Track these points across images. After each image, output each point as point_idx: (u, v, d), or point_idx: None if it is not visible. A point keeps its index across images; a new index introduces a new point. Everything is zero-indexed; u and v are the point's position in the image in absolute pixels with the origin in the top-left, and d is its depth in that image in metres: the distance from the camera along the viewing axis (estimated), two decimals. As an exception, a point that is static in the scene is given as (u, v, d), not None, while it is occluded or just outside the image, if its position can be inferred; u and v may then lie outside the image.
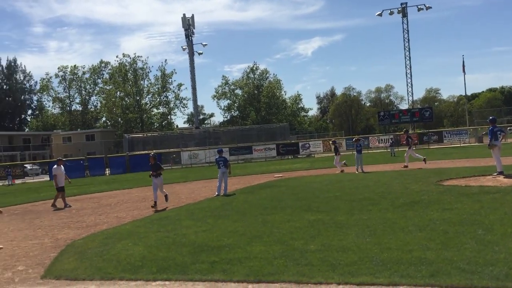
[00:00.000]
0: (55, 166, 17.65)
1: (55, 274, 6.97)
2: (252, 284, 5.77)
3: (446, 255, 6.12)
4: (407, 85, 59.36)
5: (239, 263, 6.62)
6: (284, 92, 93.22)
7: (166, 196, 14.97)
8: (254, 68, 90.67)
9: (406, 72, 58.89)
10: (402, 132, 29.26)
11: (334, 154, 24.67)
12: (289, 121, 76.54)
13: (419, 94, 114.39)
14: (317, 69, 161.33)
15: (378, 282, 5.39)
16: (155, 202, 14.20)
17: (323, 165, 29.36)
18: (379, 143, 51.17)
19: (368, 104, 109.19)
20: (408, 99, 61.23)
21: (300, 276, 5.84)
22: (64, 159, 25.93)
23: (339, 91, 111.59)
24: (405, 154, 22.95)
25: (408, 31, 58.15)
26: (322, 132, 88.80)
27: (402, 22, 58.30)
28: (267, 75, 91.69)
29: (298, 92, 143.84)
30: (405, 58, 58.60)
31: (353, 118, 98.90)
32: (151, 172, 14.69)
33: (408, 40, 58.25)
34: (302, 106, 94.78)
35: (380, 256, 6.33)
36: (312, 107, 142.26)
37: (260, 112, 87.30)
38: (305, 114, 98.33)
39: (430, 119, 56.63)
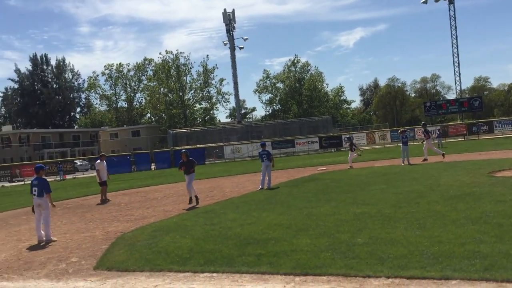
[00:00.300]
0: (98, 161, 18.16)
1: (106, 266, 7.18)
2: (299, 277, 5.75)
3: (501, 248, 5.89)
4: (454, 74, 57.27)
5: (286, 256, 6.61)
6: (326, 84, 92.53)
7: (196, 197, 14.21)
8: (295, 61, 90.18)
9: (454, 61, 56.80)
10: (420, 126, 28.03)
11: (349, 150, 24.45)
12: (331, 114, 75.74)
13: (467, 83, 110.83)
14: (359, 61, 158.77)
15: (429, 275, 5.25)
16: (190, 198, 14.21)
17: (368, 158, 28.88)
18: (425, 134, 49.76)
19: (413, 95, 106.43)
20: (455, 88, 59.12)
21: (348, 269, 5.76)
22: (112, 154, 26.59)
23: (382, 82, 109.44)
24: (423, 148, 22.53)
25: (455, 18, 56.05)
26: (365, 124, 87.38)
27: (449, 9, 56.22)
28: (309, 68, 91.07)
29: (340, 84, 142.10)
30: (452, 46, 56.55)
31: (397, 110, 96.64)
32: (183, 168, 14.31)
33: (455, 27, 56.13)
34: (344, 98, 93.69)
35: (430, 250, 6.16)
36: (354, 99, 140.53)
37: (302, 105, 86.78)
38: (347, 106, 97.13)
39: (480, 108, 54.55)
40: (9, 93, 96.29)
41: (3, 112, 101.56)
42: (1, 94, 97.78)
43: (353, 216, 9.06)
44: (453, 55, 56.87)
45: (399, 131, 25.70)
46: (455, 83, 58.05)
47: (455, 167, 16.79)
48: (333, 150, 49.45)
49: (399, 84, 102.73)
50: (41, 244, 9.66)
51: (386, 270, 5.58)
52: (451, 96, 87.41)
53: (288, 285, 5.51)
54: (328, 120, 60.14)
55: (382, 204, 10.17)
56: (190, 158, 14.71)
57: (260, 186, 16.30)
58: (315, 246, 7.00)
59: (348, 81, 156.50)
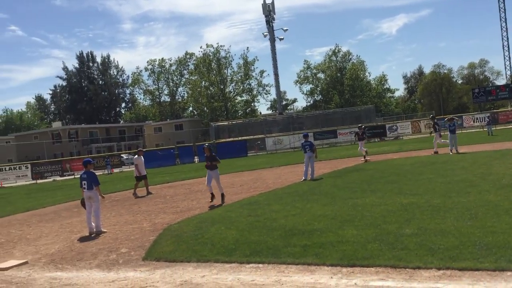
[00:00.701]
0: (136, 156, 18.53)
1: (155, 256, 7.34)
2: (346, 268, 5.68)
3: (561, 239, 5.61)
4: (504, 59, 55.07)
5: (332, 247, 6.55)
6: (368, 73, 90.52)
7: (222, 195, 13.16)
8: (336, 51, 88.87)
9: (503, 45, 54.58)
10: (429, 118, 26.97)
11: (358, 140, 23.99)
12: (374, 103, 74.29)
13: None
14: (402, 48, 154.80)
15: (483, 267, 5.08)
16: (212, 194, 13.14)
17: (413, 147, 28.19)
18: (474, 122, 48.09)
19: (460, 82, 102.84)
20: (506, 74, 56.88)
21: (397, 260, 5.65)
22: (156, 148, 27.12)
23: (427, 69, 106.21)
24: (433, 141, 22.19)
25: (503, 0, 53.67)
26: (410, 113, 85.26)
27: (497, -9, 53.88)
28: (350, 57, 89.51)
29: (383, 72, 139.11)
30: (501, 29, 54.36)
31: (443, 97, 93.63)
32: (206, 163, 13.38)
33: (504, 10, 53.88)
34: (387, 87, 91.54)
35: (483, 240, 5.94)
36: (398, 88, 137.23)
37: (343, 95, 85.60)
38: (391, 95, 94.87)
39: (532, 94, 52.19)
40: (58, 90, 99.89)
41: (53, 109, 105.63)
42: (51, 92, 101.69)
43: (400, 207, 8.86)
44: (502, 39, 54.68)
45: (446, 119, 24.91)
46: (505, 68, 55.54)
47: (507, 155, 16.13)
48: (376, 140, 48.56)
49: (445, 71, 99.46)
50: (92, 235, 9.98)
51: (437, 261, 5.43)
52: (501, 81, 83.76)
53: (335, 276, 5.45)
54: (371, 109, 59.05)
55: (430, 194, 9.90)
56: (213, 154, 13.60)
57: (303, 177, 16.21)
58: (362, 237, 6.90)
59: (391, 69, 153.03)
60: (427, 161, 17.96)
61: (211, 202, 12.99)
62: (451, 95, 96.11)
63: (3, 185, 39.22)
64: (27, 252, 8.90)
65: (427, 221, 7.42)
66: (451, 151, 20.37)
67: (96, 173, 11.04)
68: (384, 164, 18.86)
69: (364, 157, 22.64)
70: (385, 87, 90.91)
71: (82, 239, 9.70)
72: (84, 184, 10.42)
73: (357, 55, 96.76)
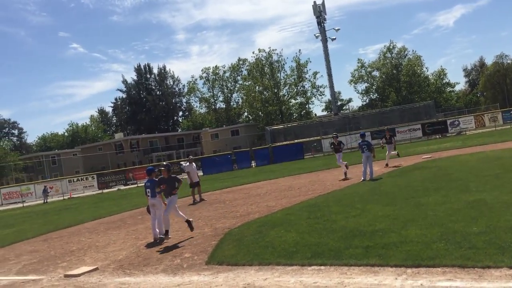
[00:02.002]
0: (187, 163, 18.84)
1: (217, 260, 7.47)
2: (411, 269, 5.54)
3: None
4: None
5: (395, 248, 6.40)
6: (426, 68, 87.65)
7: (189, 222, 10.40)
8: (391, 47, 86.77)
9: None
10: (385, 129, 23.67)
11: (335, 152, 19.52)
12: (433, 99, 71.87)
13: None
14: (461, 40, 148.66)
15: (559, 265, 4.79)
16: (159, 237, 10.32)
17: (478, 142, 27.00)
18: (542, 113, 45.39)
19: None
20: None
21: (465, 260, 5.44)
22: (213, 154, 27.59)
23: (489, 61, 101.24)
24: (386, 153, 21.33)
25: None
26: (472, 107, 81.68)
27: None
28: (406, 52, 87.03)
29: (441, 66, 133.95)
30: None
31: (508, 89, 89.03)
32: (162, 187, 10.26)
33: None
34: (447, 81, 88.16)
35: (559, 237, 5.61)
36: (458, 81, 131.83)
37: (400, 92, 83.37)
38: (451, 89, 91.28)
39: None
40: (119, 103, 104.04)
41: (114, 121, 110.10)
42: (112, 105, 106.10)
43: (466, 205, 8.53)
44: None
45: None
46: None
47: None
48: (437, 136, 46.90)
49: (508, 61, 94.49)
50: (157, 241, 10.30)
51: (508, 260, 5.19)
52: None
53: (400, 277, 5.33)
54: (430, 105, 57.21)
55: (498, 190, 9.45)
56: (173, 175, 10.71)
57: (362, 178, 15.95)
58: (426, 236, 6.70)
59: (450, 62, 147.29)
60: (493, 156, 17.15)
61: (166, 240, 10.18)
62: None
63: (72, 196, 41.28)
64: (97, 259, 9.32)
65: (496, 218, 7.10)
66: (519, 144, 19.36)
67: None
68: (447, 161, 18.20)
69: (345, 174, 18.16)
70: (444, 81, 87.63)
71: (148, 245, 10.03)
72: (148, 192, 10.78)
73: (413, 50, 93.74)
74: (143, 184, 11.32)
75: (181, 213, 10.66)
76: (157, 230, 10.61)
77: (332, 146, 20.11)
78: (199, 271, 7.12)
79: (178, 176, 11.14)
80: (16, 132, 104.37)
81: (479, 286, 4.72)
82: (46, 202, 38.04)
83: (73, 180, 46.45)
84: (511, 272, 4.92)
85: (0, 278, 8.80)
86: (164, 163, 10.14)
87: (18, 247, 12.85)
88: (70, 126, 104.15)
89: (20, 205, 38.52)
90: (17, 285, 8.06)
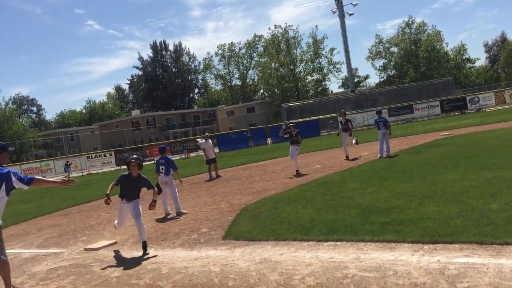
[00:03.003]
0: (203, 140, 18.82)
1: (234, 235, 7.55)
2: (428, 245, 5.53)
3: None
4: None
5: (412, 224, 6.39)
6: (446, 44, 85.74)
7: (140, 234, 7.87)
8: (410, 22, 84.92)
9: None
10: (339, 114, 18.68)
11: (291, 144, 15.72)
12: (453, 75, 70.45)
13: None
14: (482, 14, 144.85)
15: None
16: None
17: (497, 119, 26.53)
18: None
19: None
20: None
21: (483, 236, 5.41)
22: (229, 131, 27.62)
23: (511, 36, 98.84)
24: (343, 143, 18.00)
25: None
26: (493, 83, 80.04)
27: None
28: (425, 28, 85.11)
29: (461, 42, 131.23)
30: None
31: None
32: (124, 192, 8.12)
33: None
34: (467, 57, 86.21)
35: None
36: (479, 57, 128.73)
37: (419, 68, 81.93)
38: (471, 65, 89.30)
39: None
40: (135, 80, 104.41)
41: (131, 98, 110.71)
42: (128, 82, 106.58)
43: (484, 181, 8.43)
44: None
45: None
46: None
47: None
48: (456, 113, 46.20)
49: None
50: (168, 216, 10.53)
51: (527, 237, 5.13)
52: None
53: (416, 253, 5.32)
54: (449, 81, 56.16)
55: (518, 168, 9.32)
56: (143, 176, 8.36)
57: (379, 155, 15.86)
58: (444, 213, 6.66)
59: (470, 37, 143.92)
60: (514, 133, 16.86)
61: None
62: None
63: (90, 172, 41.92)
64: (116, 233, 9.49)
65: (515, 195, 7.02)
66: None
67: (174, 158, 11.47)
68: (466, 138, 17.96)
69: (297, 171, 14.93)
70: (464, 57, 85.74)
71: (165, 220, 10.17)
72: (162, 169, 10.85)
73: (432, 25, 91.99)
74: (156, 161, 11.40)
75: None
76: (168, 207, 10.80)
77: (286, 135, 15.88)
78: (216, 245, 7.21)
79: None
80: (35, 109, 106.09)
81: (496, 262, 4.69)
82: (70, 177, 38.74)
83: (91, 156, 47.14)
84: (530, 249, 4.88)
85: (22, 251, 9.03)
86: (134, 156, 7.93)
87: (39, 221, 13.14)
88: (87, 103, 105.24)
89: (40, 181, 39.22)
90: (39, 257, 8.27)
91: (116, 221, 8.38)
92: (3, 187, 5.54)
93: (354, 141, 17.74)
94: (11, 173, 5.61)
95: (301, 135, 15.43)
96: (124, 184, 7.94)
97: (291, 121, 16.39)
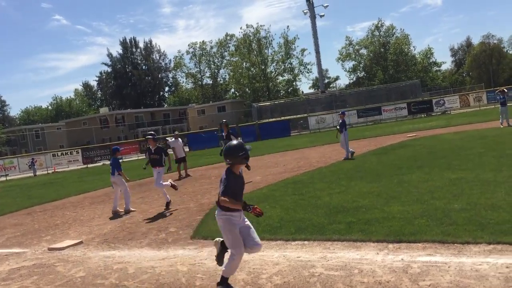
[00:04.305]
0: (173, 139, 18.84)
1: (202, 235, 7.52)
2: (393, 244, 5.64)
3: None
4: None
5: (378, 223, 6.50)
6: (413, 47, 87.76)
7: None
8: (379, 25, 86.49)
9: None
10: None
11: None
12: (420, 78, 72.19)
13: None
14: (448, 19, 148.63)
15: (536, 241, 4.91)
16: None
17: (462, 121, 27.29)
18: (527, 93, 45.85)
19: (511, 52, 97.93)
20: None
21: (445, 235, 5.55)
22: (200, 131, 27.48)
23: (476, 41, 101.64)
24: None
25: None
26: (458, 87, 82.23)
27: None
28: (394, 31, 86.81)
29: (428, 46, 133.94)
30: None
31: (494, 69, 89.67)
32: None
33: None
34: (434, 60, 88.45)
35: (537, 215, 5.73)
36: (445, 61, 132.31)
37: (387, 70, 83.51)
38: (437, 69, 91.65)
39: None
40: (104, 77, 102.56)
41: (100, 95, 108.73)
42: (97, 78, 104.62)
43: (448, 182, 8.66)
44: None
45: (497, 91, 23.91)
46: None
47: None
48: (423, 115, 47.28)
49: (495, 41, 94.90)
50: (114, 214, 10.99)
51: (487, 236, 5.30)
52: (557, 50, 79.13)
53: (381, 252, 5.42)
54: (416, 84, 57.49)
55: (480, 169, 9.61)
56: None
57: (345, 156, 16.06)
58: (408, 213, 6.81)
59: (437, 41, 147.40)
60: (477, 135, 17.37)
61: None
62: (502, 66, 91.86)
63: (56, 170, 40.98)
64: (82, 233, 9.32)
65: (476, 196, 7.23)
66: (501, 124, 19.59)
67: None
68: (432, 140, 18.40)
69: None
70: (431, 60, 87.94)
71: (133, 220, 10.04)
72: (111, 170, 11.45)
73: (401, 29, 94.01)
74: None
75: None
76: (117, 204, 11.30)
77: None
78: (184, 245, 7.16)
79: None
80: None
81: (458, 261, 4.83)
82: (36, 175, 37.80)
83: (57, 154, 46.03)
84: (490, 247, 5.03)
85: (-17, 251, 8.76)
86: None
87: (1, 220, 12.80)
88: (54, 100, 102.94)
89: (3, 178, 38.17)
90: (0, 257, 8.04)
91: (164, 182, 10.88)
92: None
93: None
94: None
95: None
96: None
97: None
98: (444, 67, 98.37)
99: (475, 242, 5.21)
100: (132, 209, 11.26)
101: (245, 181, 5.18)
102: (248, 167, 11.33)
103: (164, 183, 10.81)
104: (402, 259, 5.10)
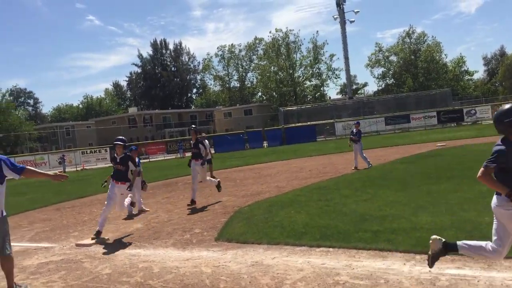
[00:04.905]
0: None
1: (226, 237, 7.54)
2: (420, 255, 5.53)
3: None
4: None
5: (405, 233, 6.40)
6: (445, 55, 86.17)
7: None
8: (410, 32, 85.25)
9: None
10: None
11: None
12: (451, 86, 70.81)
13: None
14: (482, 27, 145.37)
15: None
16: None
17: (493, 132, 26.58)
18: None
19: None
20: None
21: (475, 249, 5.41)
22: (226, 133, 27.56)
23: (510, 50, 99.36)
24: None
25: None
26: (490, 96, 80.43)
27: None
28: (425, 38, 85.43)
29: (461, 54, 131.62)
30: None
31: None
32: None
33: None
34: (465, 69, 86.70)
35: None
36: (477, 70, 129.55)
37: (417, 78, 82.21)
38: (469, 77, 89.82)
39: None
40: (134, 77, 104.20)
41: (129, 95, 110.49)
42: (127, 79, 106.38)
43: (479, 194, 8.45)
44: None
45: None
46: None
47: None
48: (453, 124, 46.39)
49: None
50: (143, 212, 11.13)
51: (519, 251, 5.14)
52: None
53: (408, 263, 5.33)
54: (447, 93, 56.47)
55: (512, 182, 9.35)
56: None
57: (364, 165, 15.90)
58: (437, 224, 6.68)
59: (469, 50, 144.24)
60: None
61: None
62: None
63: (85, 167, 41.78)
64: (108, 230, 9.45)
65: (508, 209, 7.04)
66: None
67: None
68: (462, 150, 18.04)
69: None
70: (463, 69, 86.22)
71: (158, 220, 10.14)
72: None
73: (432, 36, 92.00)
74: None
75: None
76: (139, 203, 11.24)
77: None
78: (208, 246, 7.20)
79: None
80: (31, 101, 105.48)
81: (488, 275, 4.71)
82: (65, 172, 38.63)
83: (86, 151, 46.97)
84: (521, 263, 4.89)
85: (13, 244, 8.95)
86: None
87: (31, 215, 13.10)
88: (84, 98, 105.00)
89: (34, 174, 39.07)
90: (29, 251, 8.23)
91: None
92: None
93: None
94: (2, 161, 5.42)
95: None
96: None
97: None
98: (476, 76, 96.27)
99: (506, 257, 5.05)
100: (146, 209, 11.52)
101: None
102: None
103: (125, 204, 8.86)
104: (430, 271, 5.00)
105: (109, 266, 6.68)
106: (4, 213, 5.46)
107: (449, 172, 11.94)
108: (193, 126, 12.64)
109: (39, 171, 5.98)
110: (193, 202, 11.38)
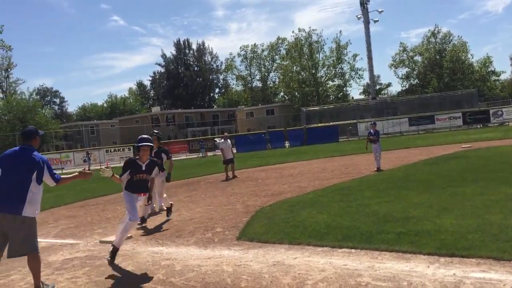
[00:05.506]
0: (222, 140, 18.87)
1: (248, 237, 7.55)
2: (444, 258, 5.45)
3: None
4: None
5: (428, 236, 6.31)
6: (471, 55, 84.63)
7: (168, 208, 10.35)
8: (435, 32, 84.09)
9: None
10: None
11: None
12: (477, 87, 69.50)
13: None
14: (510, 27, 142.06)
15: None
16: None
17: (521, 134, 26.06)
18: None
19: None
20: None
21: (501, 252, 5.31)
22: (248, 133, 27.64)
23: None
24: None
25: None
26: (517, 98, 78.58)
27: None
28: (450, 38, 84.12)
29: (487, 54, 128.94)
30: None
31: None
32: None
33: None
34: (492, 69, 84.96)
35: None
36: (505, 70, 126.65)
37: (442, 78, 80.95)
38: (496, 78, 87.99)
39: None
40: (157, 76, 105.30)
41: (152, 95, 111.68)
42: (150, 78, 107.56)
43: (505, 197, 8.29)
44: None
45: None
46: None
47: None
48: (479, 126, 45.51)
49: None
50: (162, 210, 10.96)
51: (547, 256, 5.03)
52: None
53: (432, 266, 5.25)
54: (473, 93, 55.46)
55: (540, 185, 9.13)
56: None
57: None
58: (462, 226, 6.56)
59: (496, 50, 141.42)
60: (537, 149, 16.55)
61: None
62: None
63: (109, 165, 42.36)
64: (131, 227, 9.56)
65: (536, 213, 6.88)
66: None
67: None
68: (487, 152, 17.68)
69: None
70: (489, 69, 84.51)
71: (180, 218, 10.22)
72: None
73: (458, 36, 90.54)
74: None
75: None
76: (159, 202, 10.79)
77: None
78: (229, 246, 7.22)
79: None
80: (57, 100, 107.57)
81: (514, 280, 4.60)
82: (90, 169, 39.28)
83: (110, 150, 47.68)
84: (550, 268, 4.78)
85: (39, 240, 9.15)
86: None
87: (57, 211, 13.36)
88: (109, 98, 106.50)
89: (59, 171, 39.88)
90: (55, 247, 8.40)
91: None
92: (34, 175, 5.52)
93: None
94: (45, 163, 5.59)
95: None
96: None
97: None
98: (503, 77, 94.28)
99: (534, 261, 4.96)
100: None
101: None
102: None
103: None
104: (454, 274, 4.92)
105: (132, 263, 6.77)
106: (37, 212, 5.63)
107: (474, 174, 11.73)
108: (156, 131, 11.06)
109: (69, 176, 6.13)
110: (143, 220, 9.75)
